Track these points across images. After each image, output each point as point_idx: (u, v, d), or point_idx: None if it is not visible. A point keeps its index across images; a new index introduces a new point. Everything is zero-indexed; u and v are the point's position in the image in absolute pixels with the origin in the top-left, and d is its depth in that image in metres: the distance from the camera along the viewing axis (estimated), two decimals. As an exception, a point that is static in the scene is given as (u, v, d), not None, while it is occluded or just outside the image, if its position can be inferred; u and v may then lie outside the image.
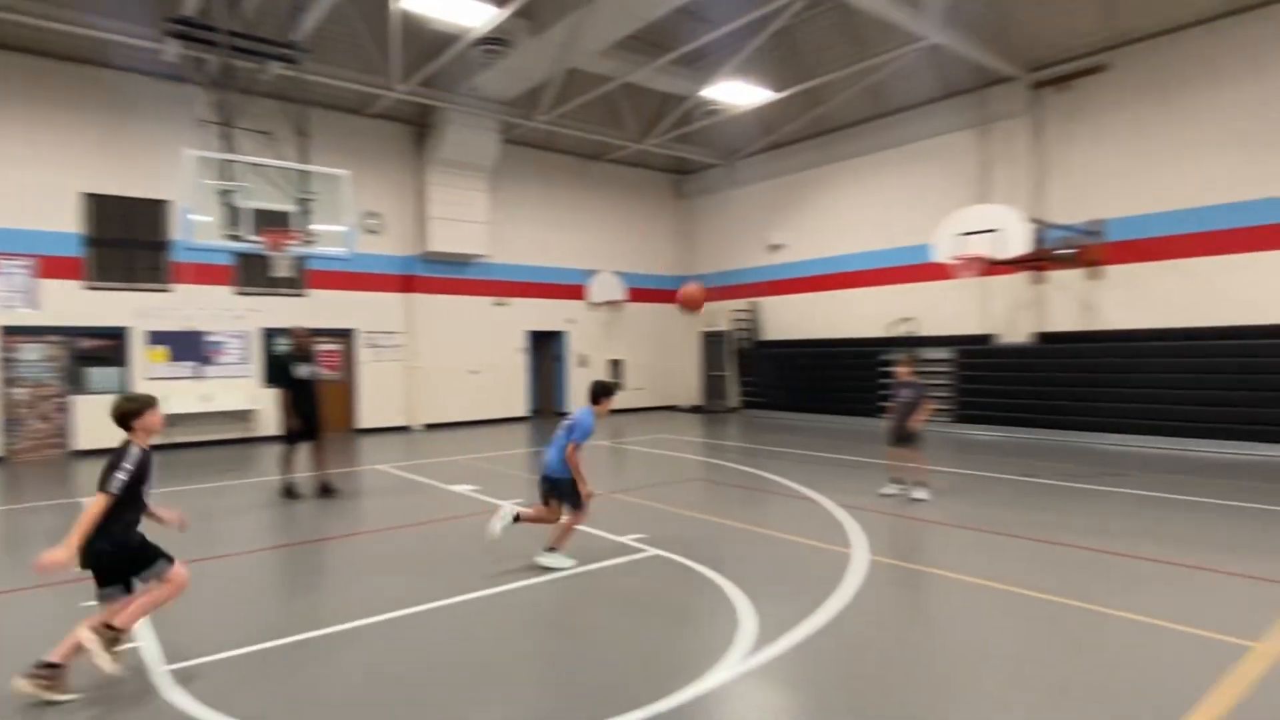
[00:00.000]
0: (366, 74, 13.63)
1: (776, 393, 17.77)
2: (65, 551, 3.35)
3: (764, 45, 13.88)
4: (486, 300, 17.32)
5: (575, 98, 15.46)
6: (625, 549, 6.00)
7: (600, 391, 5.79)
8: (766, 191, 18.93)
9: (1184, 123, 12.00)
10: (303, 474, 8.76)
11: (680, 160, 20.12)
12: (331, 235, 9.96)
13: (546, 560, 5.59)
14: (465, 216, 16.19)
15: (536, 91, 15.16)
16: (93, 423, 12.32)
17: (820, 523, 6.96)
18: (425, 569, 5.76)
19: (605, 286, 19.18)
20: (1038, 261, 12.51)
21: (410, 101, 14.76)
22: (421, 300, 16.27)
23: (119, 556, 3.62)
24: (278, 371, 8.78)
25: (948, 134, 15.02)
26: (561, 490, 5.64)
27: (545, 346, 18.93)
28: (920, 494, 7.87)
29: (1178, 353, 11.73)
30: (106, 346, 12.67)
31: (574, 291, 18.89)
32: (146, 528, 3.81)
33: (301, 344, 8.84)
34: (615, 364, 19.67)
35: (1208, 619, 4.33)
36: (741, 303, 19.40)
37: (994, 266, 12.08)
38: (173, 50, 11.53)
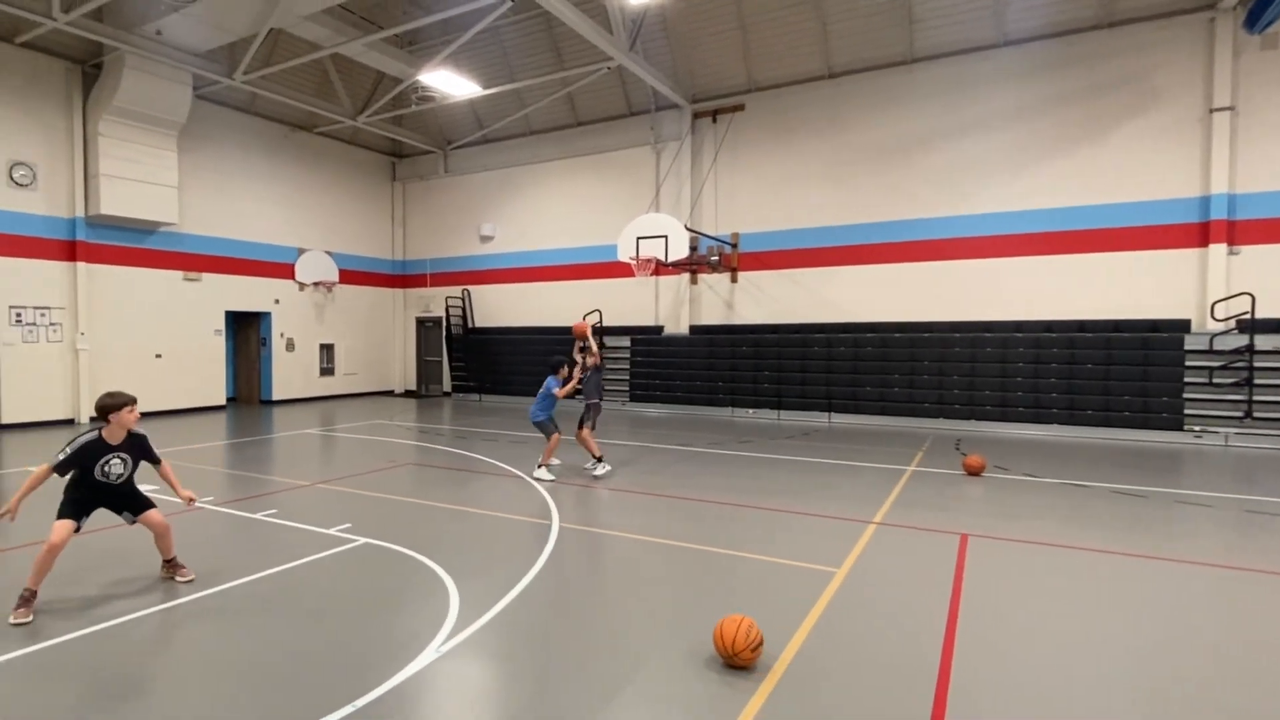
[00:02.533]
0: None
1: (485, 377, 17.84)
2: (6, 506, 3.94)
3: (474, 41, 13.72)
4: (176, 274, 14.62)
5: (282, 61, 13.67)
6: (333, 540, 5.64)
7: (560, 365, 8.19)
8: (480, 183, 18.75)
9: (796, 158, 14.59)
10: None
11: (396, 142, 18.99)
12: None
13: (540, 473, 7.92)
14: (147, 177, 13.41)
15: (236, 47, 13.11)
16: None
17: (522, 498, 7.20)
18: (93, 578, 4.74)
19: (315, 266, 17.39)
20: (693, 265, 14.33)
21: (74, 35, 11.87)
22: (90, 270, 13.20)
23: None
24: None
25: (630, 148, 16.35)
26: (544, 429, 8.15)
27: (249, 328, 16.61)
28: (601, 469, 8.26)
29: (790, 344, 14.37)
30: None
31: (282, 270, 16.83)
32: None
33: None
34: (327, 348, 18.01)
35: (807, 554, 5.44)
36: (455, 290, 19.04)
37: (662, 267, 13.52)
38: None
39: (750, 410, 14.43)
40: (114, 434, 4.23)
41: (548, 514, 6.57)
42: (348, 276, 18.39)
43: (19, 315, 12.32)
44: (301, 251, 17.22)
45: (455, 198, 19.17)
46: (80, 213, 12.99)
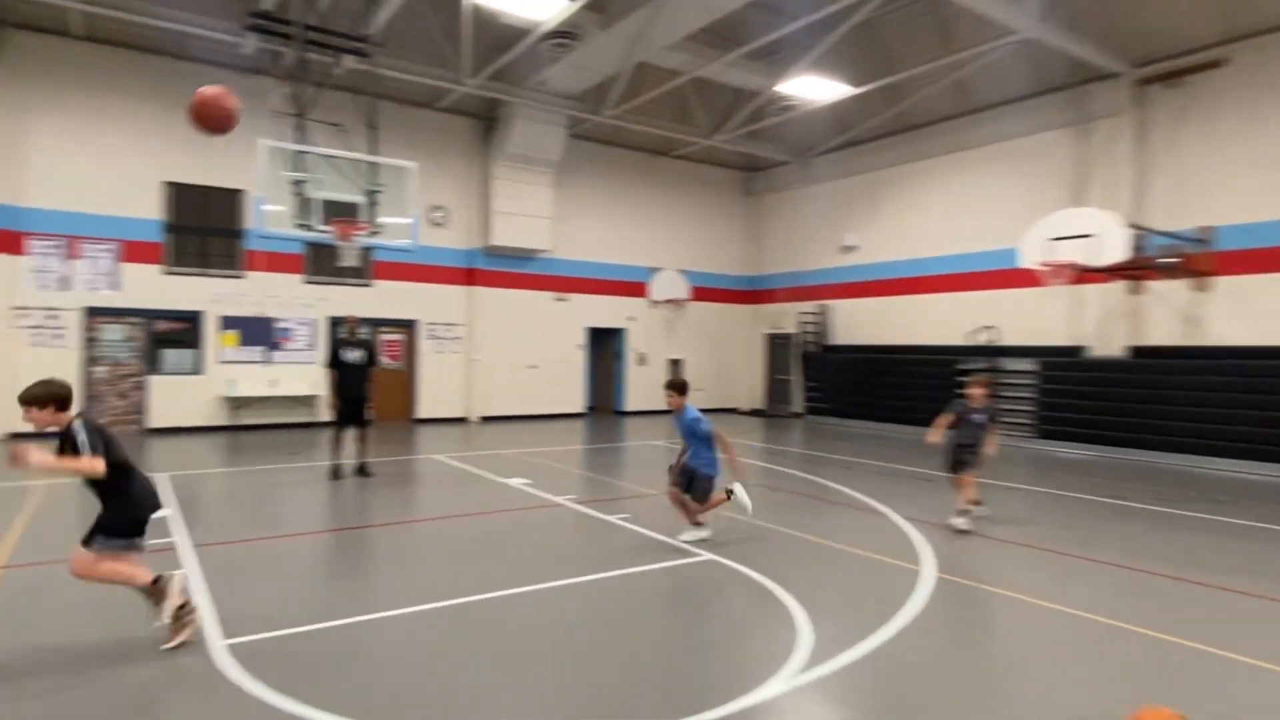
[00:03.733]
0: (437, 68, 13.99)
1: (844, 399, 17.35)
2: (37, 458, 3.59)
3: (844, 39, 13.53)
4: (547, 295, 17.49)
5: (644, 92, 15.43)
6: (679, 552, 5.95)
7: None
8: (840, 190, 18.50)
9: None
10: (349, 458, 9.05)
11: (750, 157, 19.86)
12: (397, 227, 10.28)
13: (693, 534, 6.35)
14: (529, 211, 16.40)
15: (604, 86, 15.20)
16: (166, 401, 13.21)
17: (887, 537, 6.72)
18: (474, 560, 5.81)
19: (668, 284, 19.13)
20: (1136, 270, 11.80)
21: (478, 96, 15.03)
22: (483, 293, 16.57)
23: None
24: (329, 356, 9.16)
25: (1040, 133, 14.34)
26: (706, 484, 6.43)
27: (605, 343, 19.00)
28: (961, 522, 6.90)
29: (1296, 372, 10.87)
30: (182, 329, 13.38)
31: (636, 289, 18.90)
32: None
33: (352, 330, 9.20)
34: (675, 363, 19.57)
35: None
36: (810, 305, 19.01)
37: (1087, 274, 11.47)
38: (251, 44, 12.04)
39: (1227, 460, 11.28)
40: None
41: (915, 558, 5.99)
42: (698, 293, 19.81)
43: (432, 331, 16.12)
44: (655, 271, 19.10)
45: (812, 208, 19.30)
46: (478, 245, 16.45)
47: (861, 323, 17.88)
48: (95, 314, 12.68)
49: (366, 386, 8.98)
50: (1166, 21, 12.30)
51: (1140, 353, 12.97)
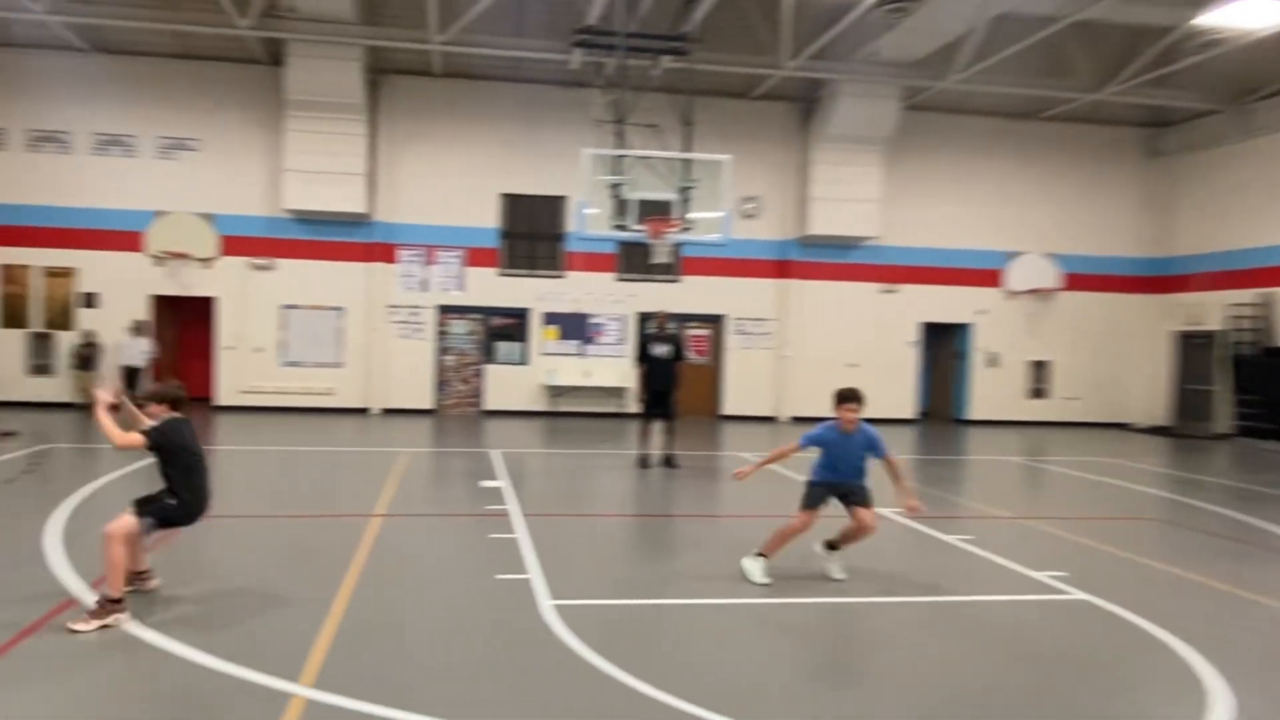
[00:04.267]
0: (754, 55, 13.94)
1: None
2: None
3: None
4: (873, 287, 16.27)
5: (1003, 48, 13.45)
6: (1039, 586, 5.26)
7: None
8: (1298, 142, 14.23)
9: None
10: (656, 449, 9.56)
11: (1155, 110, 16.40)
12: (708, 222, 10.57)
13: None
14: (852, 196, 15.45)
15: (950, 48, 13.63)
16: (499, 387, 15.18)
17: None
18: (785, 563, 5.33)
19: (1030, 271, 16.57)
20: None
21: (798, 78, 14.59)
22: (796, 286, 16.02)
23: None
24: (639, 350, 9.81)
25: None
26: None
27: (943, 341, 17.08)
28: None
29: None
30: (512, 325, 15.26)
31: (985, 277, 16.67)
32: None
33: (661, 325, 9.70)
34: (1039, 365, 16.78)
35: None
36: (1245, 294, 15.05)
37: None
38: (577, 59, 13.21)
39: None
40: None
41: None
42: (1073, 281, 16.87)
43: (741, 326, 16.05)
44: (1012, 255, 16.61)
45: (1255, 168, 15.26)
46: (793, 235, 15.94)
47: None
48: (446, 311, 15.03)
49: (674, 380, 9.37)
50: None
51: None
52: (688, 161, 10.28)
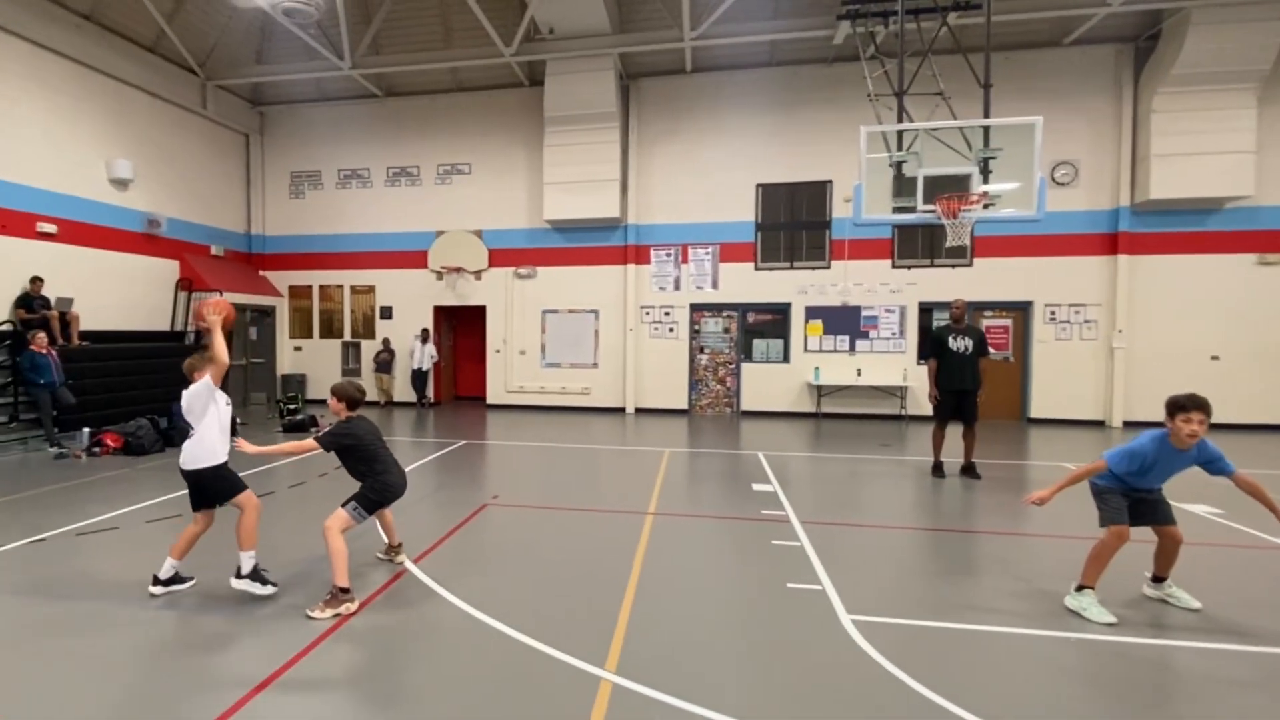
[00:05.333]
0: None
1: None
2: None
3: None
4: (1246, 258, 13.75)
5: None
6: None
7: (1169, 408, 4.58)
8: None
9: None
10: (952, 456, 9.28)
11: None
12: (1013, 194, 9.67)
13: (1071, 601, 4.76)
14: (1210, 147, 13.30)
15: None
16: (756, 387, 15.23)
17: None
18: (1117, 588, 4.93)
19: None
20: None
21: (1130, 13, 13.11)
22: (1132, 263, 14.11)
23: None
24: (932, 344, 9.26)
25: None
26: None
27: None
28: None
29: None
30: (770, 321, 15.25)
31: None
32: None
33: (958, 316, 9.18)
34: None
35: None
36: None
37: None
38: (841, 33, 13.02)
39: None
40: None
41: None
42: None
43: (1053, 313, 14.48)
44: None
45: None
46: (1124, 202, 14.06)
47: None
48: (698, 309, 15.44)
49: (975, 379, 8.91)
50: None
51: None
52: (986, 129, 9.44)
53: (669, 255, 15.45)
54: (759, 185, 15.16)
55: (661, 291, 15.52)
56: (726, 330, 15.35)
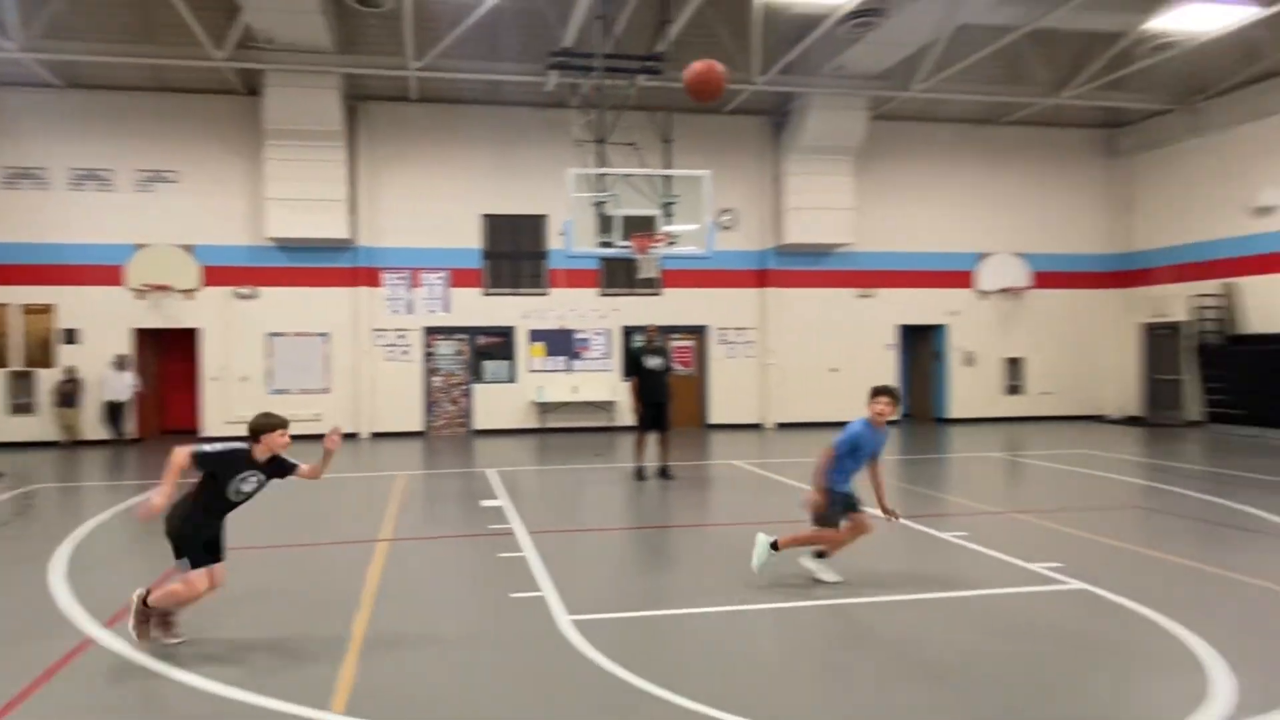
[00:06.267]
0: (727, 71, 14.02)
1: (1262, 403, 13.83)
2: (159, 499, 3.96)
3: None
4: (849, 292, 16.48)
5: (964, 58, 13.84)
6: (1036, 577, 5.38)
7: (870, 394, 5.25)
8: (1247, 138, 14.95)
9: None
10: (651, 461, 9.66)
11: (1112, 111, 16.88)
12: (690, 235, 10.68)
13: (810, 564, 5.20)
14: (825, 204, 15.70)
15: (914, 58, 13.98)
16: (487, 406, 15.12)
17: None
18: (787, 567, 5.42)
19: (1000, 271, 16.87)
20: None
21: (768, 92, 14.87)
22: (776, 295, 16.22)
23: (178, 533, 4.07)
24: (630, 363, 9.89)
25: None
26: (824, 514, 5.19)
27: (921, 342, 17.36)
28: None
29: None
30: (498, 343, 15.26)
31: (958, 279, 16.98)
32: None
33: (651, 339, 9.87)
34: (1013, 362, 17.10)
35: None
36: (1208, 285, 15.45)
37: None
38: (553, 80, 13.39)
39: None
40: (261, 453, 4.16)
41: None
42: (1043, 279, 17.21)
43: (723, 336, 16.25)
44: (983, 256, 16.97)
45: (1207, 164, 15.78)
46: (770, 245, 16.26)
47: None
48: (432, 333, 15.02)
49: (667, 392, 9.53)
50: None
51: None
52: (668, 178, 10.42)
53: (402, 279, 14.79)
54: (484, 215, 15.07)
55: (395, 314, 14.82)
56: (459, 352, 15.08)
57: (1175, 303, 16.16)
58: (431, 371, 14.99)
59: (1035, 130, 17.32)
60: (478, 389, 15.07)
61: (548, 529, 6.96)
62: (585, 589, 5.13)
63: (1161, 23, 12.33)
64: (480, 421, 15.05)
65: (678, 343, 15.80)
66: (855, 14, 11.84)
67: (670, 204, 10.27)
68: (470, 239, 15.07)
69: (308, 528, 7.21)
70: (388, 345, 14.75)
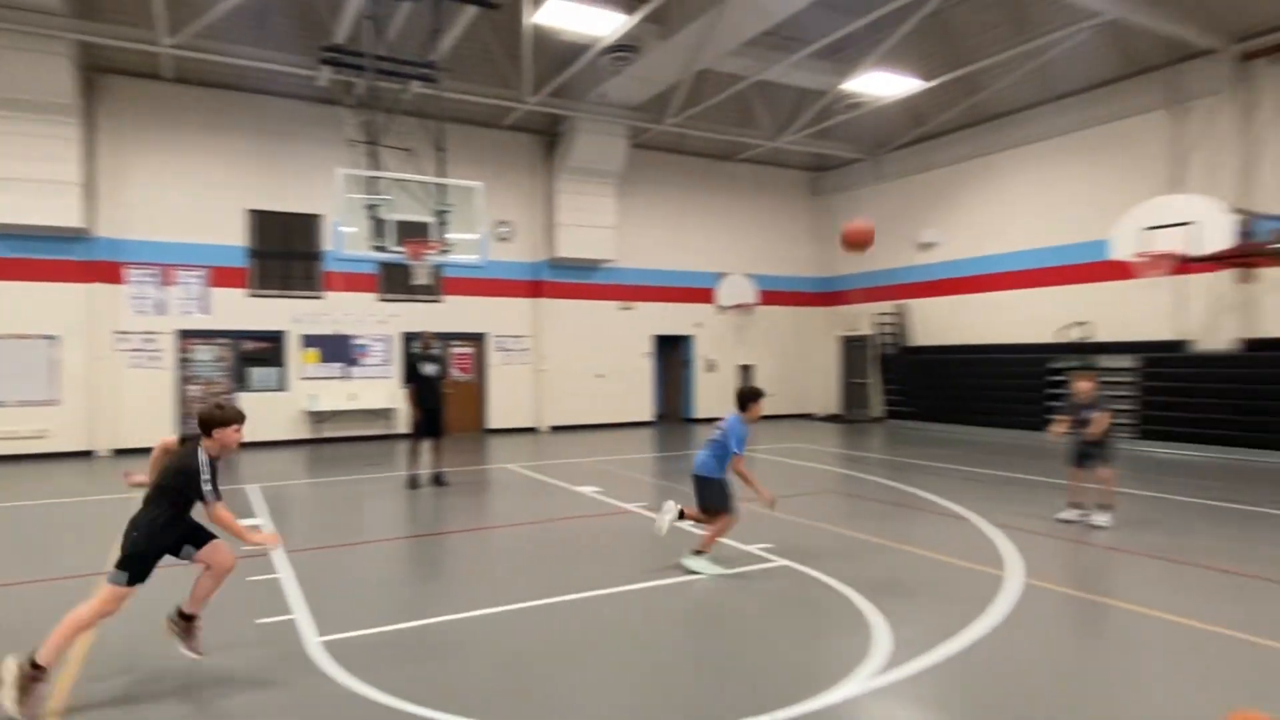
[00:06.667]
0: (499, 88, 14.42)
1: (926, 402, 16.87)
2: (260, 535, 3.80)
3: (912, 32, 13.22)
4: (613, 304, 17.62)
5: (706, 99, 15.47)
6: (752, 558, 5.93)
7: (749, 397, 5.81)
8: (916, 186, 18.04)
9: None
10: (426, 468, 9.42)
11: (818, 156, 19.60)
12: (466, 244, 10.63)
13: (690, 563, 5.62)
14: (592, 222, 16.62)
15: (665, 95, 15.28)
16: (254, 417, 13.41)
17: (970, 542, 6.50)
18: (550, 564, 5.95)
19: (735, 289, 18.99)
20: (1245, 258, 11.07)
21: (540, 112, 15.36)
22: (549, 305, 16.84)
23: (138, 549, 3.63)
24: (408, 370, 9.61)
25: (1131, 117, 13.65)
26: (709, 491, 5.71)
27: (672, 351, 19.01)
28: (1101, 519, 7.05)
29: None
30: (266, 348, 14.15)
31: (703, 295, 18.86)
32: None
33: (427, 345, 9.63)
34: (745, 369, 19.39)
35: None
36: (887, 305, 18.56)
37: (1187, 264, 10.92)
38: (325, 76, 12.73)
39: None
40: (214, 451, 3.79)
41: (1000, 564, 5.75)
42: (768, 297, 19.59)
43: (500, 343, 16.53)
44: (722, 276, 19.02)
45: (887, 206, 18.84)
46: (544, 257, 16.77)
47: (942, 322, 17.33)
48: (188, 336, 13.54)
49: (442, 398, 9.38)
50: (1266, -11, 11.50)
51: (1255, 346, 12.09)
52: (442, 186, 10.23)
53: (151, 275, 13.15)
54: (251, 211, 13.91)
55: (142, 315, 13.12)
56: (220, 358, 13.69)
57: (864, 319, 19.26)
58: (187, 379, 13.44)
59: (762, 168, 19.70)
60: (243, 398, 13.56)
61: (309, 546, 6.46)
62: (342, 607, 4.83)
63: (854, 85, 14.35)
64: (246, 433, 13.71)
65: (458, 349, 15.88)
66: (614, 48, 12.57)
67: (445, 212, 10.13)
68: (234, 235, 13.82)
69: (18, 562, 6.17)
70: (133, 350, 13.01)
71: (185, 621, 3.85)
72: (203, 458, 3.70)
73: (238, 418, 3.86)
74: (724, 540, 5.92)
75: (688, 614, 4.84)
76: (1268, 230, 10.98)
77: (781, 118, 17.39)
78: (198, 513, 3.78)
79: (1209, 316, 12.64)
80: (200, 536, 3.85)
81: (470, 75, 14.03)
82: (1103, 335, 13.91)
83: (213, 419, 3.77)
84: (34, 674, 3.32)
